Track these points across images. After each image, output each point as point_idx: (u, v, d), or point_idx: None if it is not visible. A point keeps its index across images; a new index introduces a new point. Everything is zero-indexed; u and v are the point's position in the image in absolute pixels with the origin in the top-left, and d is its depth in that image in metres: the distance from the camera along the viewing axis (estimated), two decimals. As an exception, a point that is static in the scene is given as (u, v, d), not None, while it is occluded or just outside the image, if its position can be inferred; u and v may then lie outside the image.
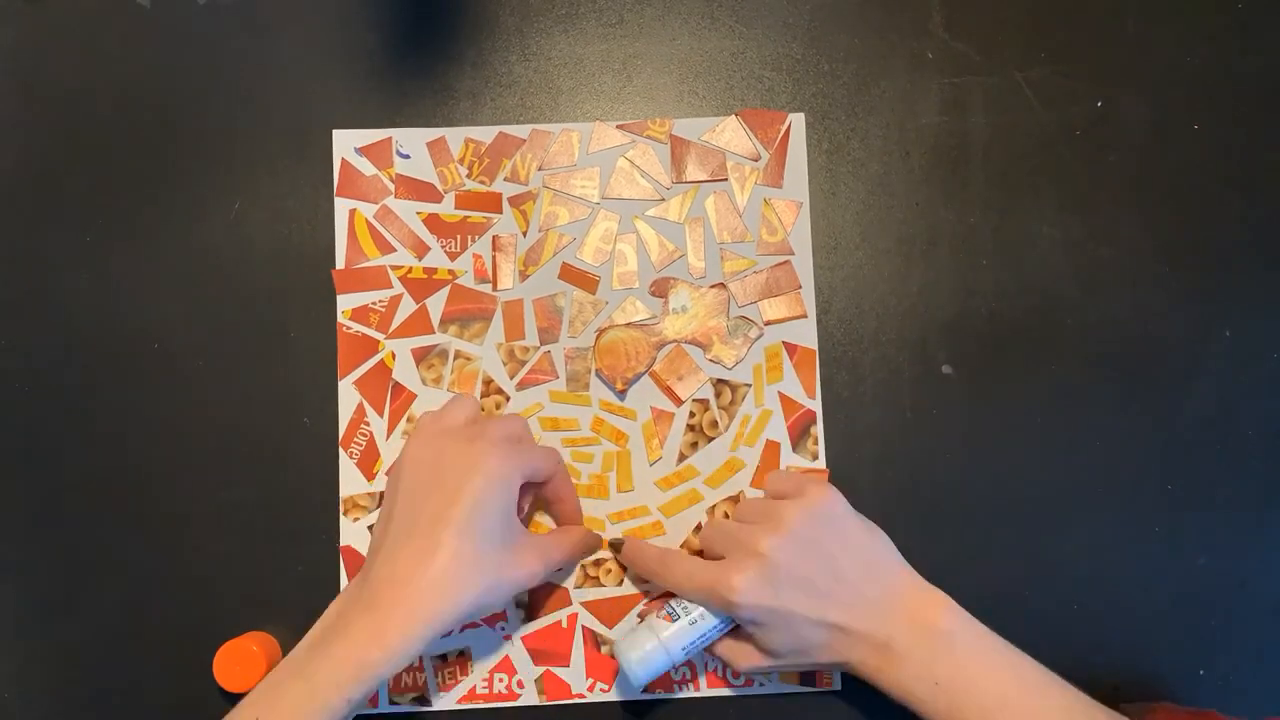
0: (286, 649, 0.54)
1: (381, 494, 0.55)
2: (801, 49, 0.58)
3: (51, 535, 0.55)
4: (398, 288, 0.56)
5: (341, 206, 0.57)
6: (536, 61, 0.58)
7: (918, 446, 0.56)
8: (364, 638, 0.44)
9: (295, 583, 0.55)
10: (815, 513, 0.49)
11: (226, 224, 0.57)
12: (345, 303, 0.56)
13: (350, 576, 0.55)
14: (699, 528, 0.55)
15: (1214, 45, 0.58)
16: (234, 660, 0.52)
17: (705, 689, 0.54)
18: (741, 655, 0.50)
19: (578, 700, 0.54)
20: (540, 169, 0.57)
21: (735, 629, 0.51)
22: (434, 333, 0.56)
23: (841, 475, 0.55)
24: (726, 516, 0.55)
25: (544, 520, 0.56)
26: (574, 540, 0.53)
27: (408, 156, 0.57)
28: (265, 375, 0.56)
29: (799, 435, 0.56)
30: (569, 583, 0.55)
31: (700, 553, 0.53)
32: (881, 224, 0.57)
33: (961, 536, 0.54)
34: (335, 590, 0.55)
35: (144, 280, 0.56)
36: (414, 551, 0.46)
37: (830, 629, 0.48)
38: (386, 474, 0.54)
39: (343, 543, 0.55)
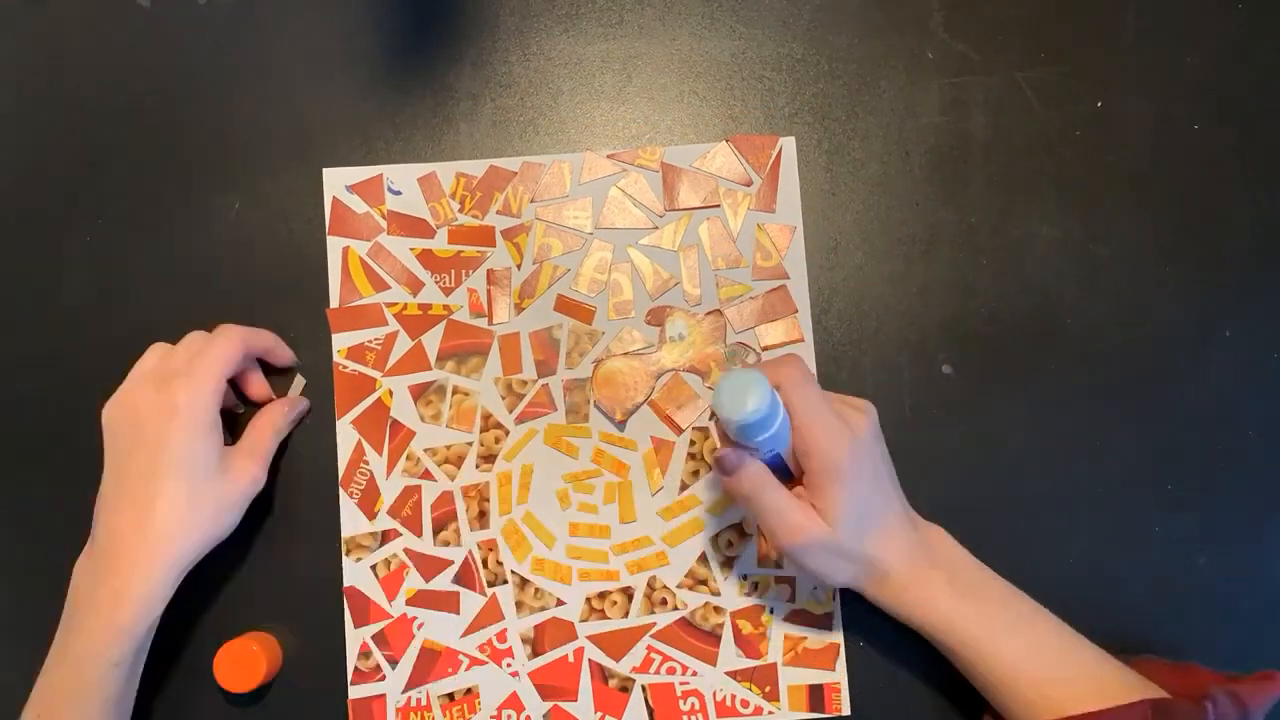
0: (287, 649, 0.54)
1: (384, 533, 0.55)
2: (801, 49, 0.58)
3: (52, 535, 0.55)
4: (393, 325, 0.56)
5: (334, 245, 0.56)
6: (536, 61, 0.58)
7: (918, 446, 0.56)
8: (108, 606, 0.47)
9: (295, 583, 0.55)
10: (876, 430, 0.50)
11: (226, 224, 0.57)
12: (340, 341, 0.56)
13: (355, 622, 0.54)
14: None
15: (1214, 45, 0.58)
16: (234, 660, 0.52)
17: None
18: (798, 520, 0.46)
19: (585, 730, 0.54)
20: (532, 201, 0.57)
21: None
22: (431, 369, 0.56)
23: (841, 475, 0.55)
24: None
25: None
26: (275, 421, 0.53)
27: (399, 193, 0.57)
28: (267, 377, 0.56)
29: None
30: (575, 616, 0.55)
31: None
32: (881, 224, 0.57)
33: (961, 536, 0.54)
34: (336, 592, 0.55)
35: (144, 280, 0.56)
36: (132, 510, 0.48)
37: (896, 509, 0.49)
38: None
39: (345, 583, 0.55)
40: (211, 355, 0.50)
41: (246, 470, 0.51)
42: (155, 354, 0.51)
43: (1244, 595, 0.55)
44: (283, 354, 0.55)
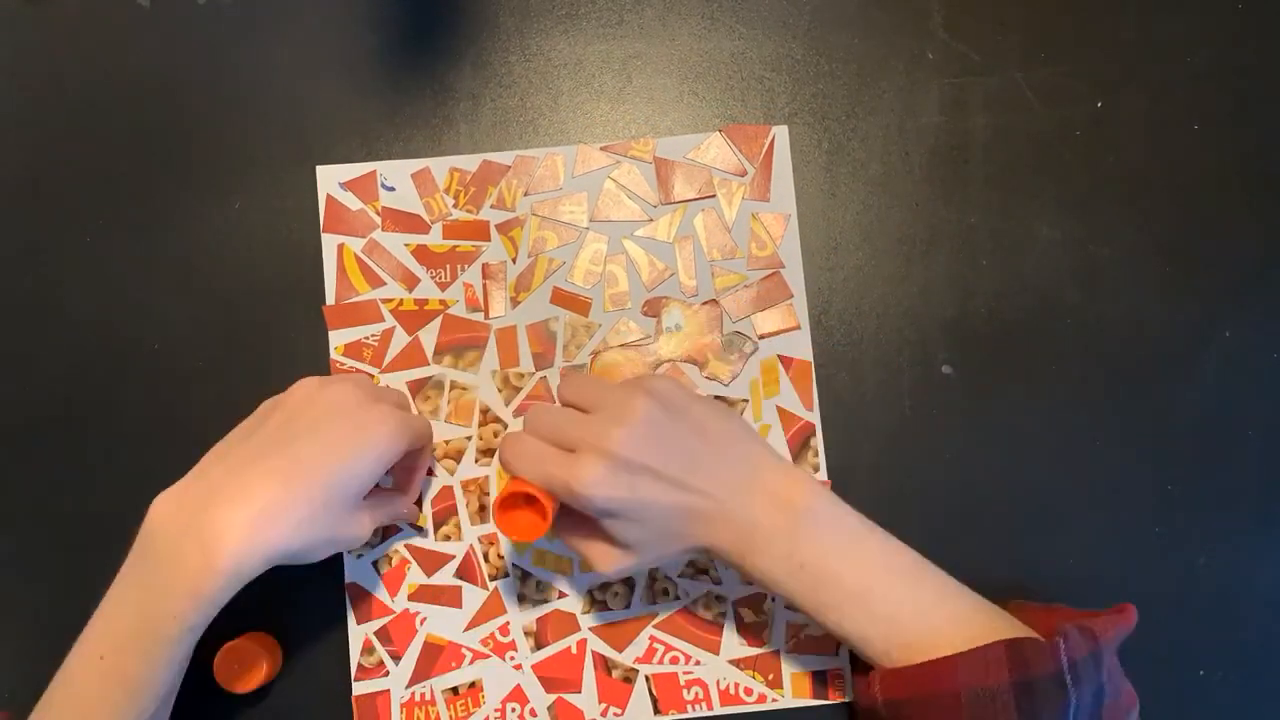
0: (288, 648, 0.54)
1: (384, 529, 0.55)
2: (801, 49, 0.58)
3: (51, 535, 0.55)
4: (389, 321, 0.56)
5: (329, 242, 0.56)
6: (536, 61, 0.58)
7: (918, 446, 0.56)
8: (196, 568, 0.42)
9: (295, 583, 0.55)
10: (665, 399, 0.46)
11: (226, 224, 0.57)
12: (337, 339, 0.56)
13: (358, 619, 0.54)
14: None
15: (1214, 45, 0.58)
16: (234, 660, 0.52)
17: (719, 708, 0.54)
18: (602, 556, 0.48)
19: (588, 721, 0.54)
20: (526, 194, 0.57)
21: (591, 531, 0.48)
22: (428, 364, 0.56)
23: (841, 476, 0.55)
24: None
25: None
26: (397, 512, 0.52)
27: (393, 189, 0.57)
28: (265, 375, 0.56)
29: (799, 447, 0.56)
30: (577, 608, 0.55)
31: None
32: (881, 224, 0.57)
33: (961, 536, 0.54)
34: (337, 592, 0.55)
35: (144, 280, 0.56)
36: (268, 479, 0.44)
37: (689, 515, 0.46)
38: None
39: (347, 580, 0.55)
40: (418, 424, 0.50)
41: (363, 526, 0.48)
42: (363, 379, 0.51)
43: (1244, 595, 0.55)
44: (413, 489, 0.54)
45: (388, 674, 0.54)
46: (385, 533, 0.55)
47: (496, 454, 0.52)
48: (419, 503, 0.55)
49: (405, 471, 0.53)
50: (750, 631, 0.55)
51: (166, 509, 0.44)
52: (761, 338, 0.56)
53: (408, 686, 0.54)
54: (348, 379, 0.49)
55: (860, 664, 0.49)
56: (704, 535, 0.47)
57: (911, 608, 0.46)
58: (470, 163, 0.57)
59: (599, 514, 0.46)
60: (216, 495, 0.43)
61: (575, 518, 0.48)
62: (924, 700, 0.43)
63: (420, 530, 0.55)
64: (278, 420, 0.47)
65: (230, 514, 0.43)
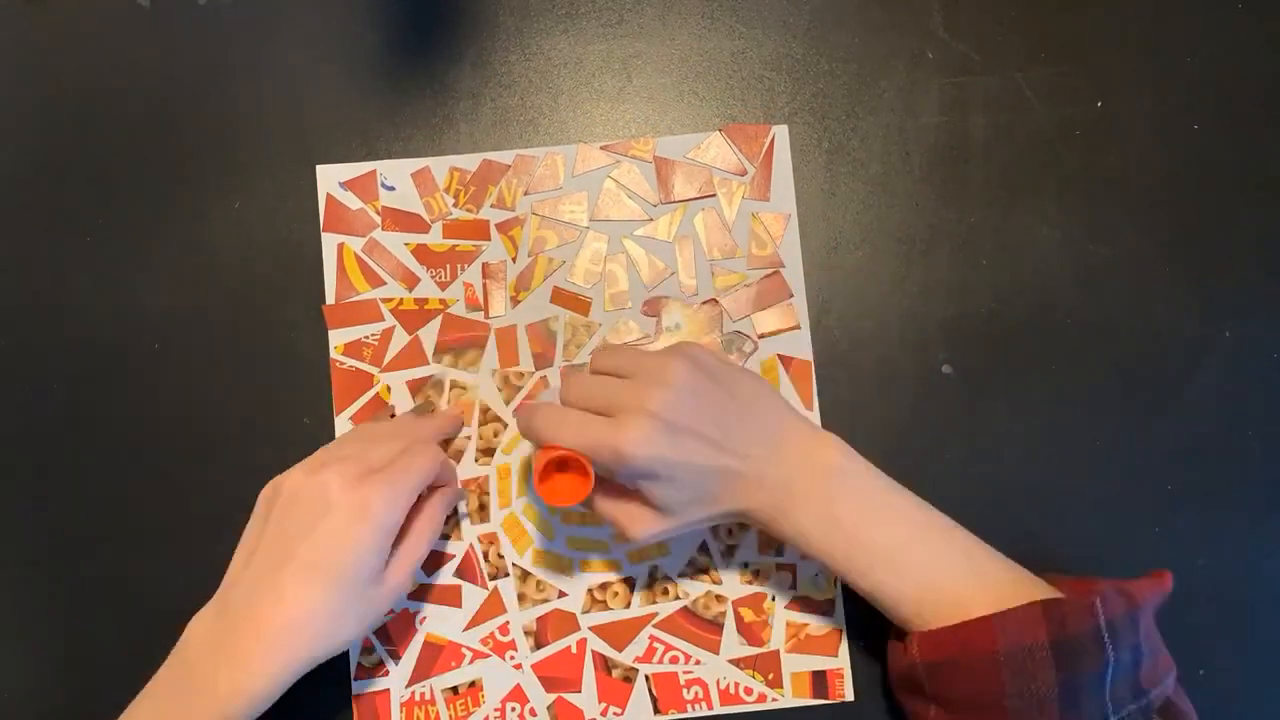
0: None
1: None
2: (801, 49, 0.58)
3: (50, 535, 0.55)
4: (389, 320, 0.56)
5: (329, 241, 0.57)
6: (536, 61, 0.58)
7: (918, 446, 0.56)
8: (227, 688, 0.44)
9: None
10: (700, 363, 0.47)
11: (227, 223, 0.57)
12: (337, 338, 0.56)
13: None
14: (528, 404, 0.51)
15: (1214, 45, 0.58)
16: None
17: (719, 708, 0.54)
18: (635, 519, 0.47)
19: (588, 721, 0.54)
20: (526, 194, 0.57)
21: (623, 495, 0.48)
22: (428, 363, 0.56)
23: (841, 475, 0.55)
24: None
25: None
26: (431, 524, 0.50)
27: (393, 188, 0.57)
28: (265, 375, 0.56)
29: None
30: (577, 608, 0.55)
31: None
32: (881, 224, 0.57)
33: (961, 536, 0.54)
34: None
35: (144, 280, 0.56)
36: (282, 595, 0.44)
37: (726, 476, 0.46)
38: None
39: None
40: (415, 469, 0.48)
41: (398, 581, 0.48)
42: (356, 442, 0.49)
43: (1244, 595, 0.55)
44: (455, 491, 0.54)
45: (388, 674, 0.54)
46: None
47: (518, 423, 0.50)
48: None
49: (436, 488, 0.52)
50: (750, 631, 0.55)
51: (202, 629, 0.46)
52: (761, 337, 0.56)
53: (408, 686, 0.54)
54: (330, 462, 0.47)
55: (895, 630, 0.49)
56: (740, 498, 0.47)
57: (944, 568, 0.46)
58: (470, 162, 0.57)
59: (639, 476, 0.46)
60: (240, 618, 0.45)
61: (606, 485, 0.48)
62: (962, 660, 0.43)
63: (463, 506, 0.55)
64: (276, 522, 0.46)
65: (252, 641, 0.44)
